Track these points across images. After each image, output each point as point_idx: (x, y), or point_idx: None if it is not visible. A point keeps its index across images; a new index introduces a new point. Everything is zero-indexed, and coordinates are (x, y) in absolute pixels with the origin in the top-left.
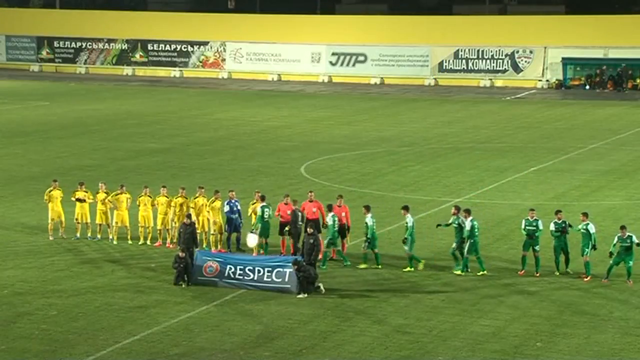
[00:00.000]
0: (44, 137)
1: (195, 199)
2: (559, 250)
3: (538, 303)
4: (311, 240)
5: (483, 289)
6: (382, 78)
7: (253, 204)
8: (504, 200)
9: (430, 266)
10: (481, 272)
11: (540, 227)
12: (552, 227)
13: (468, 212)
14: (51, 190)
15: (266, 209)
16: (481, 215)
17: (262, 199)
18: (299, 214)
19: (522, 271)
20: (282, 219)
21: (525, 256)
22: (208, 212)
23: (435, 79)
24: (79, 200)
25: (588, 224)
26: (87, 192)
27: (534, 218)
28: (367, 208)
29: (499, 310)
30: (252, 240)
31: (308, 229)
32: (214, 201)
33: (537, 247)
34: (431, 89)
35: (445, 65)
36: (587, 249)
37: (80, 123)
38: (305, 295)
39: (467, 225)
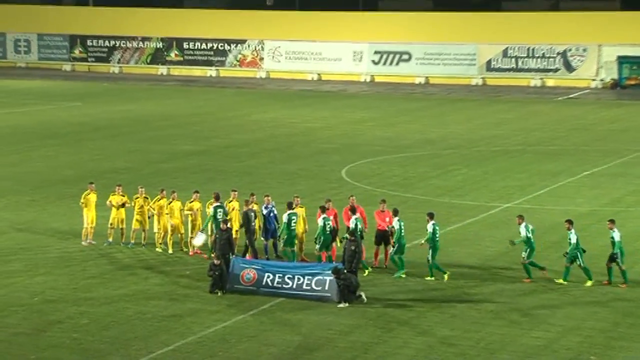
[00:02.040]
0: (76, 139)
1: (229, 202)
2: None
3: (592, 314)
4: (352, 247)
5: (534, 299)
6: (426, 77)
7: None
8: (556, 206)
9: (477, 276)
10: (428, 278)
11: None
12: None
13: (431, 215)
14: (88, 194)
15: (219, 209)
16: (532, 221)
17: (217, 198)
18: (252, 214)
19: (529, 279)
20: None
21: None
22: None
23: (482, 78)
24: (119, 206)
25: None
26: (124, 195)
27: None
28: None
29: (550, 321)
30: (199, 239)
31: (349, 235)
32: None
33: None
34: (478, 88)
35: (494, 64)
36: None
37: (114, 124)
38: (346, 304)
39: (430, 228)
